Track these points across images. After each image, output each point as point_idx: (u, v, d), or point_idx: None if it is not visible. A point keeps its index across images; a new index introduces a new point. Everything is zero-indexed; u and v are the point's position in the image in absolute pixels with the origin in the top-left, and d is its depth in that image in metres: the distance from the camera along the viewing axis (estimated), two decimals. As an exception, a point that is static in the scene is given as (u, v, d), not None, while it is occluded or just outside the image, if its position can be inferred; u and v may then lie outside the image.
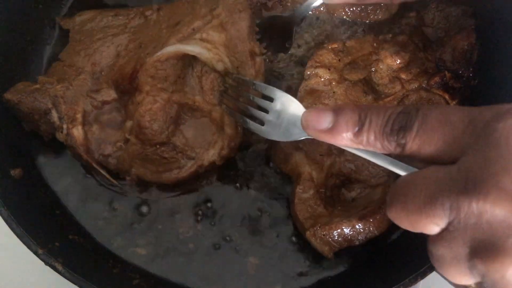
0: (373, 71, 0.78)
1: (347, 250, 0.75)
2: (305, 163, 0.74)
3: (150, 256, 0.76)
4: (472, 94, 0.78)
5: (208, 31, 0.73)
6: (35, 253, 0.66)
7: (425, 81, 0.76)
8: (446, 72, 0.76)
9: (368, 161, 0.69)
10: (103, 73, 0.78)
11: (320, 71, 0.77)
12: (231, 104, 0.71)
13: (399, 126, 0.47)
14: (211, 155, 0.74)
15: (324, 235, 0.70)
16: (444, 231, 0.42)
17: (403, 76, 0.76)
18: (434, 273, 0.65)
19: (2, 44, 0.79)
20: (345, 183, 0.75)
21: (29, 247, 0.66)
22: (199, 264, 0.76)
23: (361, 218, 0.70)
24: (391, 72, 0.77)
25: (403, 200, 0.44)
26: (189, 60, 0.75)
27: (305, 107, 0.75)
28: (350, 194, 0.74)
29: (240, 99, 0.70)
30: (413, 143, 0.46)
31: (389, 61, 0.77)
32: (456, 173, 0.41)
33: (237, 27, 0.73)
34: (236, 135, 0.74)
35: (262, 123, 0.65)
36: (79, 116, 0.76)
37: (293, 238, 0.76)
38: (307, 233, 0.71)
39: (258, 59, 0.74)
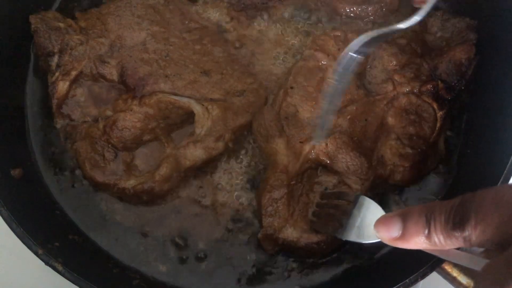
0: (368, 68, 0.78)
1: (349, 252, 0.76)
2: (284, 153, 0.74)
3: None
4: (465, 107, 0.80)
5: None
6: (35, 253, 0.66)
7: (417, 87, 0.76)
8: (439, 82, 0.76)
9: (345, 155, 0.71)
10: (120, 50, 0.78)
11: (319, 55, 0.77)
12: (325, 220, 0.71)
13: (458, 219, 0.47)
14: (129, 183, 0.75)
15: (275, 238, 0.72)
16: None
17: (396, 78, 0.76)
18: (434, 273, 0.66)
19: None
20: (320, 170, 0.75)
21: (29, 247, 0.66)
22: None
23: (312, 227, 0.72)
24: (385, 72, 0.77)
25: None
26: (193, 118, 0.76)
27: (296, 83, 0.76)
28: (324, 185, 0.74)
29: (331, 211, 0.70)
30: (476, 234, 0.46)
31: (385, 61, 0.77)
32: None
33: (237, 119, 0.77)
34: (161, 179, 0.74)
35: (341, 225, 0.66)
36: (74, 73, 0.77)
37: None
38: (260, 234, 0.73)
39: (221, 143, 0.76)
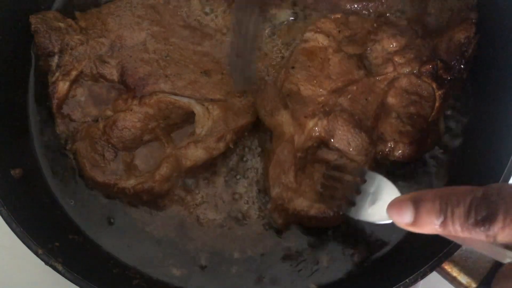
0: (369, 50, 0.78)
1: (350, 251, 0.76)
2: (290, 123, 0.74)
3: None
4: (466, 88, 0.80)
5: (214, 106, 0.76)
6: (35, 253, 0.66)
7: (417, 67, 0.76)
8: (439, 62, 0.76)
9: (346, 132, 0.72)
10: (120, 50, 0.78)
11: (320, 37, 0.78)
12: (332, 193, 0.70)
13: (482, 216, 0.44)
14: (129, 183, 0.75)
15: (285, 208, 0.72)
16: None
17: (396, 59, 0.77)
18: (434, 273, 0.66)
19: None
20: (321, 146, 0.75)
21: (29, 247, 0.66)
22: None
23: (320, 200, 0.71)
24: (385, 53, 0.78)
25: None
26: (193, 118, 0.77)
27: (297, 63, 0.76)
28: (327, 157, 0.74)
29: (338, 186, 0.69)
30: (504, 234, 0.43)
31: (385, 42, 0.78)
32: None
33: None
34: (162, 179, 0.74)
35: (353, 203, 0.65)
36: (74, 73, 0.77)
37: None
38: (270, 206, 0.73)
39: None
